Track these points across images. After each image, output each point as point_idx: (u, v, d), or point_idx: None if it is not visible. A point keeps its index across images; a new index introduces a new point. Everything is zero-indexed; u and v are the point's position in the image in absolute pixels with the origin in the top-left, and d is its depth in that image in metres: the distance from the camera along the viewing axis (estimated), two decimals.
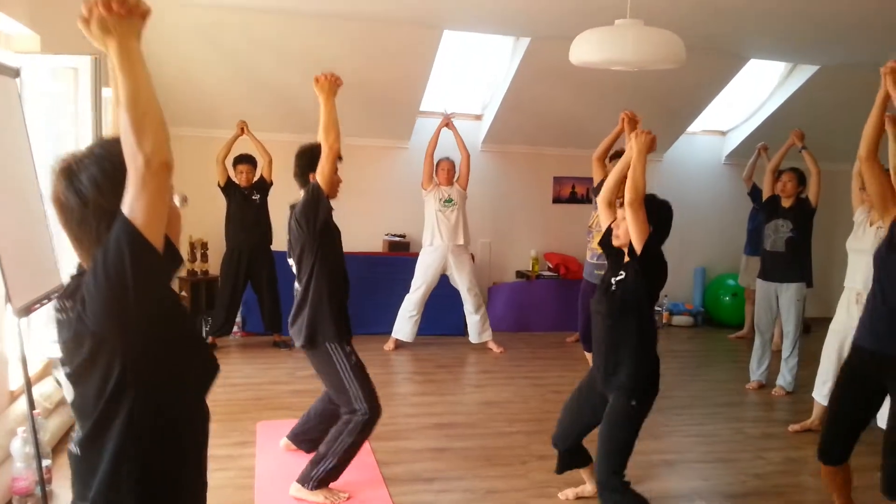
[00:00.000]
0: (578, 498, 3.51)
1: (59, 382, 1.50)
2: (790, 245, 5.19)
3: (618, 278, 3.01)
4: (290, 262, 3.53)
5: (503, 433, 4.37)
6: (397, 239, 7.02)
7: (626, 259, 3.01)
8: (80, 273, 1.46)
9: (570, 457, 3.35)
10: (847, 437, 3.13)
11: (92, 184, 1.39)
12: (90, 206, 1.39)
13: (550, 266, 7.38)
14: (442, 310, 6.55)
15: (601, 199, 3.21)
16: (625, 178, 3.01)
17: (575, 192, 7.64)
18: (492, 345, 6.32)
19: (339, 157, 3.46)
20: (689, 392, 5.31)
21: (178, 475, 1.52)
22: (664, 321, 7.57)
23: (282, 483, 3.54)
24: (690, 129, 7.62)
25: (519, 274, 7.43)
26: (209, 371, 1.57)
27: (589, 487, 3.47)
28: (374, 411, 3.40)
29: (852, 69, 6.50)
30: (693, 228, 7.87)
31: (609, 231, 3.10)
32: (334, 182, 3.41)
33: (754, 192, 6.61)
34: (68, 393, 1.48)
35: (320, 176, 3.34)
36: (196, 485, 1.60)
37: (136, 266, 1.31)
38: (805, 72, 6.85)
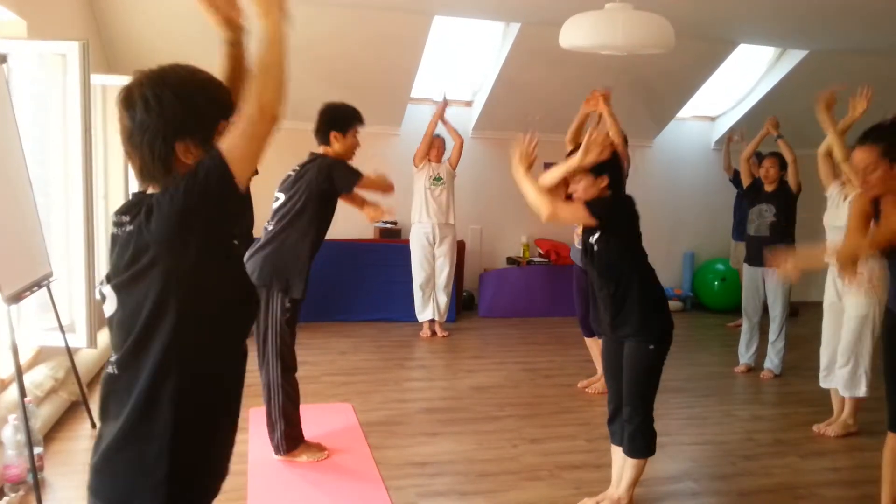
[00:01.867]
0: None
1: (103, 296, 1.51)
2: (774, 229, 5.22)
3: (595, 237, 3.06)
4: (278, 195, 3.55)
5: (494, 417, 4.40)
6: (388, 226, 7.02)
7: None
8: (142, 192, 1.52)
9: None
10: None
11: (145, 103, 1.46)
12: (138, 122, 1.46)
13: (541, 252, 7.41)
14: None
15: (544, 186, 3.18)
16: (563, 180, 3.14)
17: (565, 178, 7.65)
18: (441, 330, 6.31)
19: (362, 122, 3.63)
20: (679, 376, 5.35)
21: (213, 406, 1.55)
22: None
23: (274, 468, 3.57)
24: (680, 114, 7.63)
25: (510, 260, 7.46)
26: (249, 312, 1.64)
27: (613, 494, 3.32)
28: (288, 371, 3.55)
29: (841, 55, 6.53)
30: (682, 213, 7.92)
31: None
32: (352, 147, 3.61)
33: (736, 179, 6.68)
34: (111, 306, 1.49)
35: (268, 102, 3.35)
36: (228, 421, 1.64)
37: (216, 198, 1.40)
38: (794, 57, 6.87)
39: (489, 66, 6.75)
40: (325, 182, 3.47)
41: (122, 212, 1.49)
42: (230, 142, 1.42)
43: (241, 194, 1.43)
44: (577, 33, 3.99)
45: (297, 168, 3.59)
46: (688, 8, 5.11)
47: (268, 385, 3.56)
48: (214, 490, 1.64)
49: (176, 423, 1.46)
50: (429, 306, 6.26)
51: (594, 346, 4.84)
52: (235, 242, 1.61)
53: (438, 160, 6.26)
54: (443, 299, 6.30)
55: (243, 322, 1.62)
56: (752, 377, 5.47)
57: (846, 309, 4.16)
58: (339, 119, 3.54)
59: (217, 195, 1.40)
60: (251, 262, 3.48)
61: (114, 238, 1.49)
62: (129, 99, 1.48)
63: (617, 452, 3.26)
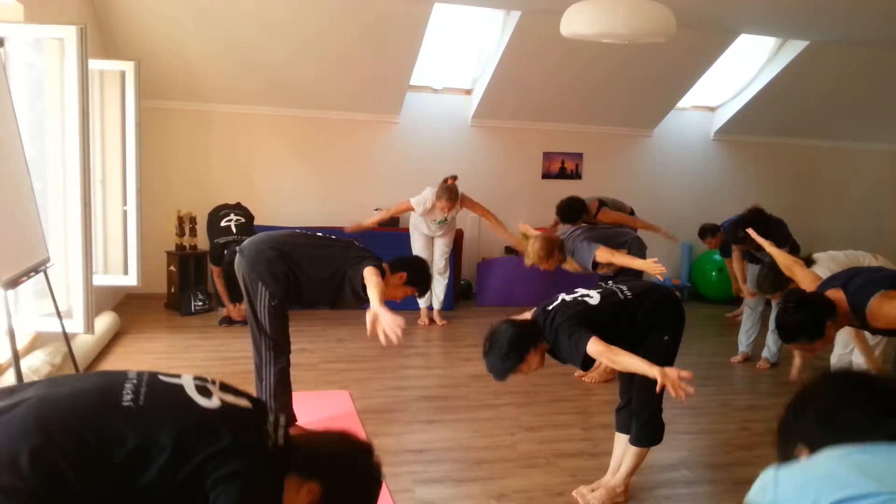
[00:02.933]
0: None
1: None
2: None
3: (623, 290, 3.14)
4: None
5: (491, 405, 4.41)
6: None
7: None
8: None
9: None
10: None
11: None
12: None
13: None
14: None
15: None
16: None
17: (564, 168, 7.64)
18: (436, 316, 6.31)
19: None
20: (676, 365, 5.35)
21: None
22: None
23: None
24: (680, 104, 7.62)
25: (508, 249, 7.45)
26: None
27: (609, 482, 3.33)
28: (280, 354, 3.61)
29: (842, 45, 6.50)
30: (681, 204, 7.91)
31: None
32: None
33: (724, 249, 6.14)
34: None
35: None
36: None
37: None
38: (795, 47, 6.84)
39: (489, 55, 6.72)
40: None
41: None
42: None
43: None
44: (578, 21, 3.97)
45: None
46: None
47: (258, 366, 3.61)
48: None
49: None
50: (428, 294, 6.25)
51: None
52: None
53: (450, 210, 5.93)
54: (440, 286, 6.30)
55: None
56: (748, 366, 5.48)
57: None
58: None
59: None
60: (239, 258, 3.58)
61: None
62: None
63: (619, 439, 3.27)
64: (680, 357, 5.14)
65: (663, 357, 3.04)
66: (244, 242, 3.67)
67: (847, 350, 4.35)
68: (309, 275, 3.52)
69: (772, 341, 5.40)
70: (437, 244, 6.28)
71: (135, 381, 1.58)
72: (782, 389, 4.90)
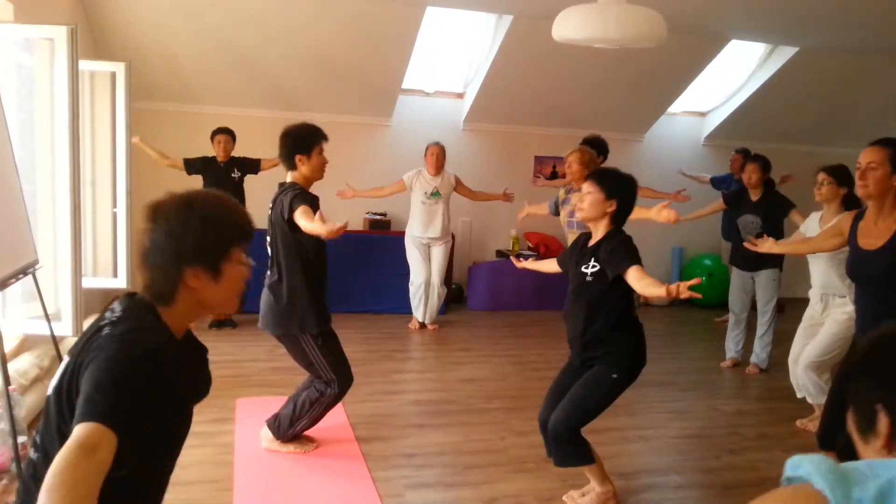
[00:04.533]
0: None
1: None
2: (761, 236, 5.12)
3: (592, 270, 3.01)
4: (268, 240, 3.51)
5: (482, 410, 4.41)
6: (378, 217, 7.00)
7: (592, 243, 3.05)
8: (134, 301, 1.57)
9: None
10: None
11: (165, 224, 1.51)
12: (153, 243, 1.52)
13: (530, 245, 7.41)
14: None
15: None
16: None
17: (556, 172, 7.65)
18: (430, 324, 6.29)
19: (325, 139, 3.48)
20: (665, 370, 5.38)
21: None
22: (641, 301, 7.63)
23: (261, 459, 3.56)
24: (671, 109, 7.65)
25: (499, 253, 7.46)
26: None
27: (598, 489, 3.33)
28: (345, 384, 3.57)
29: (830, 52, 6.55)
30: (671, 208, 7.93)
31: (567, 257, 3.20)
32: (320, 166, 3.47)
33: (715, 182, 6.73)
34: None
35: (303, 227, 3.21)
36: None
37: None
38: (784, 54, 6.89)
39: (481, 58, 6.73)
40: (287, 216, 3.34)
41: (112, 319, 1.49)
42: None
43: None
44: (569, 26, 3.98)
45: (271, 205, 3.50)
46: (680, 3, 5.11)
47: (321, 392, 3.52)
48: None
49: None
50: (423, 306, 6.23)
51: None
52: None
53: (437, 172, 6.08)
54: (435, 299, 6.28)
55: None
56: (737, 371, 5.50)
57: (825, 325, 4.15)
58: (300, 141, 3.40)
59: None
60: (265, 317, 3.51)
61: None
62: (152, 217, 1.50)
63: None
64: (669, 362, 5.18)
65: (603, 396, 3.06)
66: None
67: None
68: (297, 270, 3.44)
69: (759, 347, 5.41)
70: (435, 256, 6.25)
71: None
72: (771, 394, 4.92)
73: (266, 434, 3.67)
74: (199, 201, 1.54)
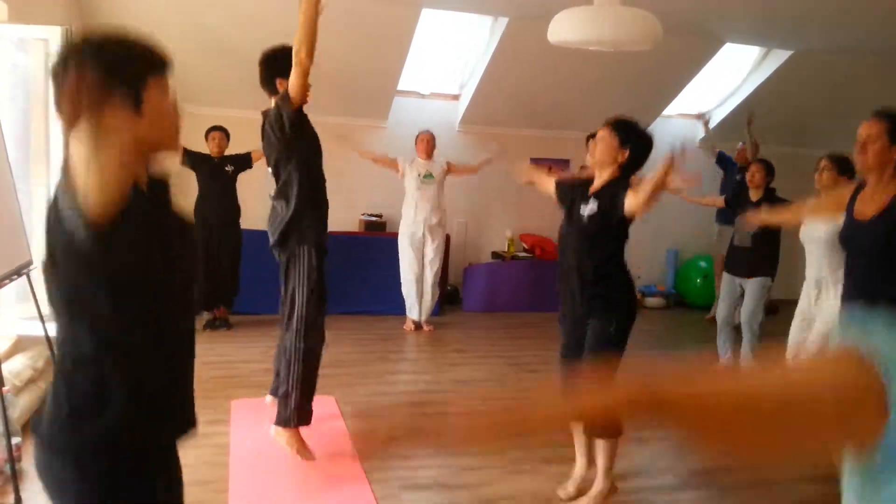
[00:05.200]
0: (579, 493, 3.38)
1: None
2: (756, 241, 5.13)
3: (589, 213, 3.03)
4: (269, 170, 3.51)
5: (478, 411, 4.40)
6: (374, 219, 7.00)
7: (595, 188, 3.05)
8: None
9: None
10: None
11: (66, 69, 1.46)
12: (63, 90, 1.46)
13: (526, 247, 7.41)
14: None
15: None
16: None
17: (551, 174, 7.66)
18: (426, 324, 6.30)
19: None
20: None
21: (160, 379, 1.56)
22: (639, 305, 7.65)
23: (256, 460, 3.55)
24: (666, 111, 7.66)
25: (494, 254, 7.46)
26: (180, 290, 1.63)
27: (578, 470, 3.40)
28: (315, 331, 3.46)
29: (825, 54, 6.58)
30: (666, 210, 7.91)
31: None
32: (305, 89, 3.30)
33: (721, 159, 6.82)
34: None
35: (291, 90, 3.20)
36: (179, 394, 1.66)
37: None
38: (778, 57, 6.92)
39: (477, 60, 6.74)
40: (278, 133, 3.32)
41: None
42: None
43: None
44: (565, 28, 3.99)
45: (262, 139, 3.49)
46: (675, 5, 5.12)
47: (288, 352, 3.45)
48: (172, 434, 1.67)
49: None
50: (417, 304, 6.23)
51: None
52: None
53: (428, 155, 6.19)
54: (429, 296, 6.28)
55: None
56: None
57: (817, 319, 4.15)
58: (280, 64, 3.30)
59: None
60: (272, 231, 3.47)
61: None
62: (55, 67, 1.46)
63: (579, 437, 3.31)
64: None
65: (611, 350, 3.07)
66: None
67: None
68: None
69: (748, 348, 5.36)
70: (428, 256, 6.25)
71: None
72: None
73: (274, 427, 3.57)
74: (97, 40, 1.48)
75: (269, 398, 4.06)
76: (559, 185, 3.34)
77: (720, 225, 6.92)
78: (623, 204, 2.94)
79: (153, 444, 1.60)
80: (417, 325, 6.26)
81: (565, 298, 3.19)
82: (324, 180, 3.53)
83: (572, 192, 3.20)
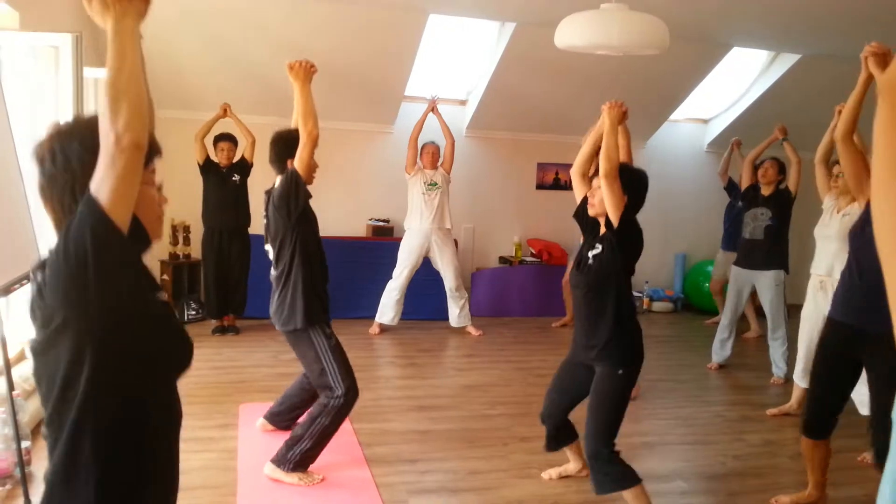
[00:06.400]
0: (562, 477, 3.55)
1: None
2: (768, 233, 5.24)
3: (594, 252, 3.03)
4: (268, 247, 3.52)
5: (485, 415, 4.40)
6: (381, 224, 7.01)
7: (602, 231, 3.03)
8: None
9: (558, 433, 3.36)
10: (830, 412, 3.20)
11: (52, 156, 1.40)
12: (47, 176, 1.41)
13: (533, 252, 7.41)
14: (424, 294, 6.55)
15: (574, 171, 3.22)
16: (597, 150, 3.04)
17: (558, 179, 7.67)
18: (471, 329, 6.36)
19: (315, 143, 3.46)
20: (669, 376, 5.37)
21: (140, 460, 1.45)
22: (645, 307, 7.63)
23: (265, 464, 3.55)
24: (673, 116, 7.66)
25: (502, 259, 7.46)
26: (180, 353, 1.55)
27: (572, 466, 3.53)
28: (351, 393, 3.41)
29: (833, 59, 6.55)
30: (674, 215, 7.94)
31: (584, 202, 3.11)
32: (312, 168, 3.40)
33: (730, 187, 6.76)
34: (32, 364, 1.44)
35: (298, 163, 3.33)
36: (162, 473, 1.54)
37: (96, 246, 1.29)
38: (787, 61, 6.90)
39: (484, 66, 6.75)
40: (284, 213, 3.35)
41: (37, 268, 1.39)
42: (97, 183, 1.30)
43: (123, 233, 1.33)
44: (572, 33, 3.99)
45: (265, 213, 3.51)
46: (683, 10, 5.12)
47: (323, 405, 3.39)
48: None
49: (99, 476, 1.39)
50: (393, 310, 6.24)
51: None
52: (164, 277, 1.55)
53: (433, 166, 6.24)
54: (461, 301, 6.33)
55: (171, 365, 1.55)
56: (742, 378, 5.49)
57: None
58: (292, 145, 3.39)
59: (95, 244, 1.29)
60: (274, 314, 3.47)
61: (32, 294, 1.41)
62: (38, 153, 1.43)
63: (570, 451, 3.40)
64: (673, 368, 5.17)
65: (618, 395, 3.06)
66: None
67: None
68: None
69: (777, 356, 5.34)
70: (442, 269, 6.28)
71: None
72: (776, 401, 4.90)
73: (269, 465, 3.44)
74: (79, 127, 1.45)
75: (260, 422, 3.93)
76: (578, 214, 3.22)
77: (725, 252, 6.85)
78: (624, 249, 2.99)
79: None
80: (383, 329, 6.28)
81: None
82: (322, 255, 3.54)
83: (585, 235, 3.18)
